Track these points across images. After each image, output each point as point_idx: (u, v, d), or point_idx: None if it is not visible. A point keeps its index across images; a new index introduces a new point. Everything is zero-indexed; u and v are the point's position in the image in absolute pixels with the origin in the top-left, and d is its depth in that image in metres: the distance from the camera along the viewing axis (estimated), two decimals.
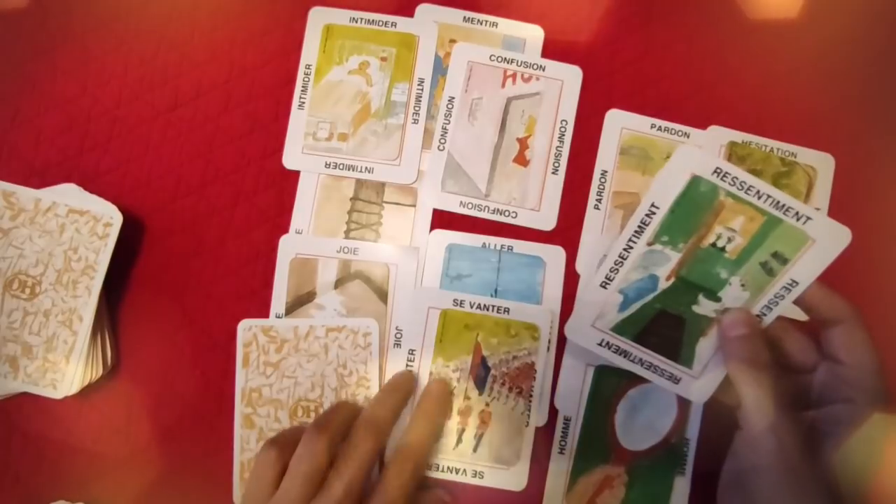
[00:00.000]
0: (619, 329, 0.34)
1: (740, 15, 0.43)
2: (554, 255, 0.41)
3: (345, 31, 0.43)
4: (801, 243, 0.30)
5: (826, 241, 0.30)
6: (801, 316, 0.41)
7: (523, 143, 0.42)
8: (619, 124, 0.42)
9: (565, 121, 0.42)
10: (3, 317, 0.38)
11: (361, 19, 0.43)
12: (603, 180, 0.42)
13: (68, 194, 0.39)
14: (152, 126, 0.42)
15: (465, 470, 0.40)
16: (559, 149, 0.42)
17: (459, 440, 0.40)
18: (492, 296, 0.41)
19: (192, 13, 0.43)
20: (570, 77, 0.42)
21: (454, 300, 0.40)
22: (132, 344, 0.41)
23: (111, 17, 0.43)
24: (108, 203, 0.38)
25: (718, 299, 0.32)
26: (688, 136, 0.42)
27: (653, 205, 0.31)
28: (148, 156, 0.42)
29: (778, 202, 0.30)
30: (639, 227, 0.31)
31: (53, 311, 0.38)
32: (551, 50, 0.43)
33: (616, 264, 0.32)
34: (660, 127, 0.42)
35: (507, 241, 0.41)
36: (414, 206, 0.42)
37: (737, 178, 0.30)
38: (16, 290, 0.38)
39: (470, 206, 0.42)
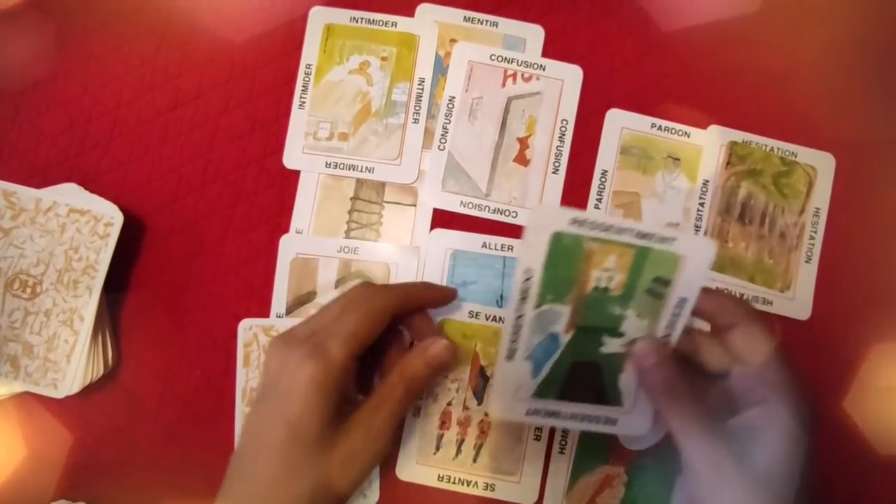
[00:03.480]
0: (541, 393, 0.33)
1: (741, 15, 0.43)
2: None
3: (345, 31, 0.43)
4: (675, 263, 0.30)
5: (695, 255, 0.30)
6: (801, 315, 0.41)
7: (524, 143, 0.42)
8: (619, 124, 0.42)
9: (566, 120, 0.42)
10: (4, 316, 0.38)
11: (362, 19, 0.43)
12: (603, 180, 0.42)
13: (69, 194, 0.39)
14: (153, 126, 0.42)
15: (476, 482, 0.40)
16: (560, 148, 0.42)
17: (459, 451, 0.40)
18: (497, 301, 0.41)
19: (193, 13, 0.43)
20: (570, 76, 0.42)
21: (469, 312, 0.40)
22: (133, 343, 0.41)
23: (112, 17, 0.43)
24: (109, 203, 0.38)
25: (621, 335, 0.32)
26: (688, 136, 0.42)
27: (526, 270, 0.30)
28: (148, 155, 0.42)
29: (639, 232, 0.30)
30: (520, 295, 0.31)
31: (54, 311, 0.38)
32: (552, 49, 0.43)
33: (513, 336, 0.31)
34: (660, 126, 0.42)
35: (507, 241, 0.41)
36: (414, 205, 0.42)
37: (595, 223, 0.30)
38: (17, 290, 0.38)
39: (470, 205, 0.42)
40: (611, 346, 0.32)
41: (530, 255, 0.30)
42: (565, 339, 0.32)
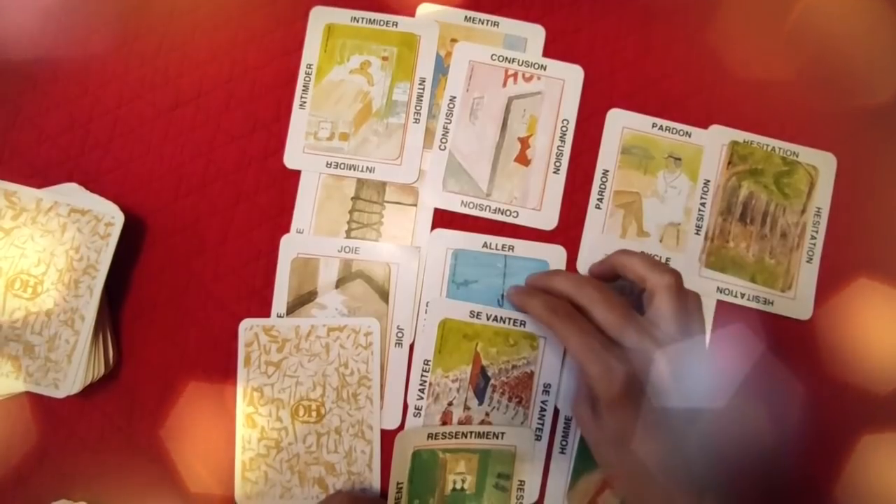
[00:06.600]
0: None
1: (741, 15, 0.43)
2: (555, 255, 0.41)
3: (346, 31, 0.43)
4: (512, 457, 0.39)
5: (521, 444, 0.39)
6: (803, 315, 0.41)
7: (524, 143, 0.42)
8: (620, 123, 0.42)
9: (566, 120, 0.42)
10: (5, 316, 0.38)
11: (363, 19, 0.43)
12: (604, 180, 0.42)
13: (70, 194, 0.39)
14: (154, 125, 0.42)
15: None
16: (560, 148, 0.42)
17: None
18: (499, 301, 0.41)
19: (194, 13, 0.43)
20: (571, 76, 0.42)
21: (471, 311, 0.40)
22: (134, 343, 0.41)
23: (112, 17, 0.43)
24: (110, 202, 0.38)
25: None
26: (689, 136, 0.42)
27: (398, 483, 0.39)
28: (149, 155, 0.42)
29: (480, 433, 0.39)
30: (394, 502, 0.38)
31: (55, 311, 0.38)
32: (553, 49, 0.43)
33: None
34: (661, 126, 0.42)
35: (508, 241, 0.41)
36: (415, 205, 0.42)
37: (446, 433, 0.39)
38: (18, 290, 0.38)
39: (471, 205, 0.42)
40: None
41: (398, 470, 0.39)
42: None
